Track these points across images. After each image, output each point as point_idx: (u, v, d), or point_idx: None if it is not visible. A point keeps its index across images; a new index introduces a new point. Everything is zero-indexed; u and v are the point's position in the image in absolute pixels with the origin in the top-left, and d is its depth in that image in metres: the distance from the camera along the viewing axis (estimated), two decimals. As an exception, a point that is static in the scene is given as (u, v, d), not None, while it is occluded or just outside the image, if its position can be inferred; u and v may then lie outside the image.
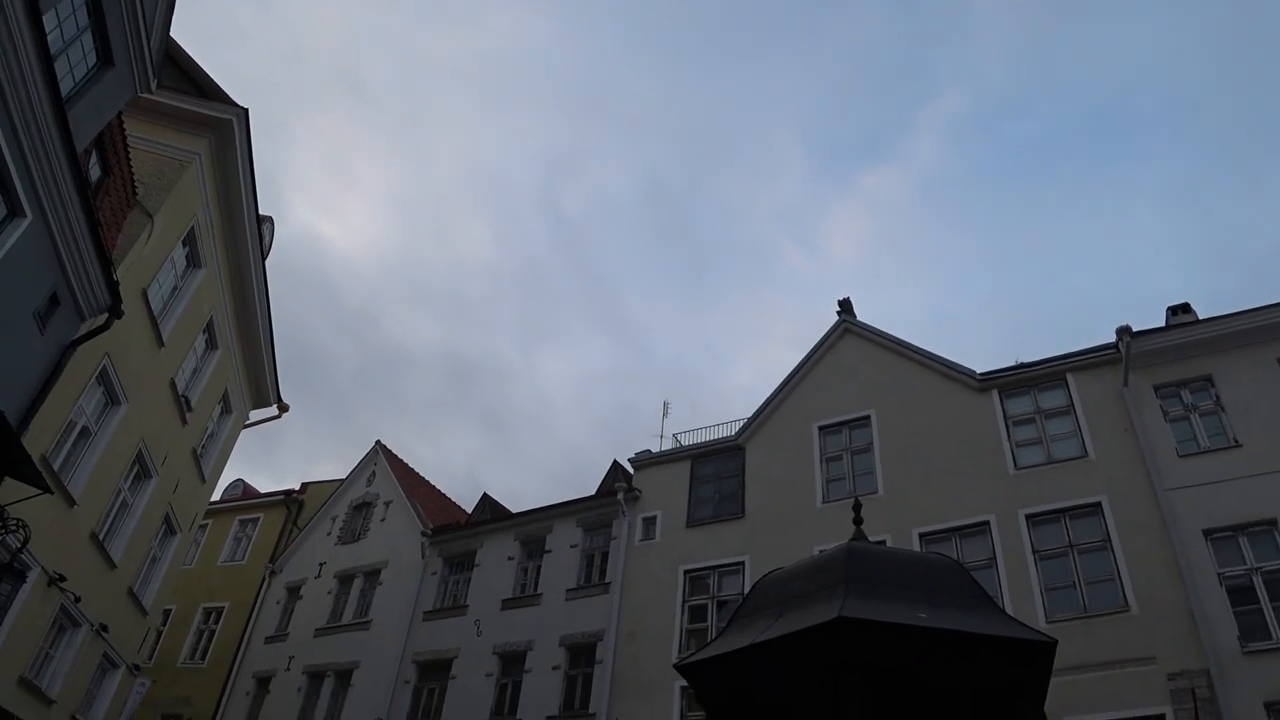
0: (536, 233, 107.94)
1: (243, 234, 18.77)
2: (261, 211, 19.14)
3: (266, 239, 20.57)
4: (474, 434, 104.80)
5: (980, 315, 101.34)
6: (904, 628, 3.87)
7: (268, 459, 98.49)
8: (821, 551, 4.85)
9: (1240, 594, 15.63)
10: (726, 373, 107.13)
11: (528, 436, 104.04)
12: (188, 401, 18.42)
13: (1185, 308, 20.34)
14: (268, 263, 20.47)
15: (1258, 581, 15.61)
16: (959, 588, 4.44)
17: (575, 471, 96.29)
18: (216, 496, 30.27)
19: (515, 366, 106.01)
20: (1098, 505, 17.50)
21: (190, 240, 16.98)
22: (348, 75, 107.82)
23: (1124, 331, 18.66)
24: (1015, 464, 18.82)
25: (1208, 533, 16.26)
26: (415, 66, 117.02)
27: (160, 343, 16.43)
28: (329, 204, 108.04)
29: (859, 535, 4.97)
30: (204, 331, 18.79)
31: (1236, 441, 17.03)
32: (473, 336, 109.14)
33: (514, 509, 27.72)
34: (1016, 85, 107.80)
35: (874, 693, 3.80)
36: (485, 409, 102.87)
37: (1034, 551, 17.53)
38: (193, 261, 17.51)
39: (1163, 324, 19.81)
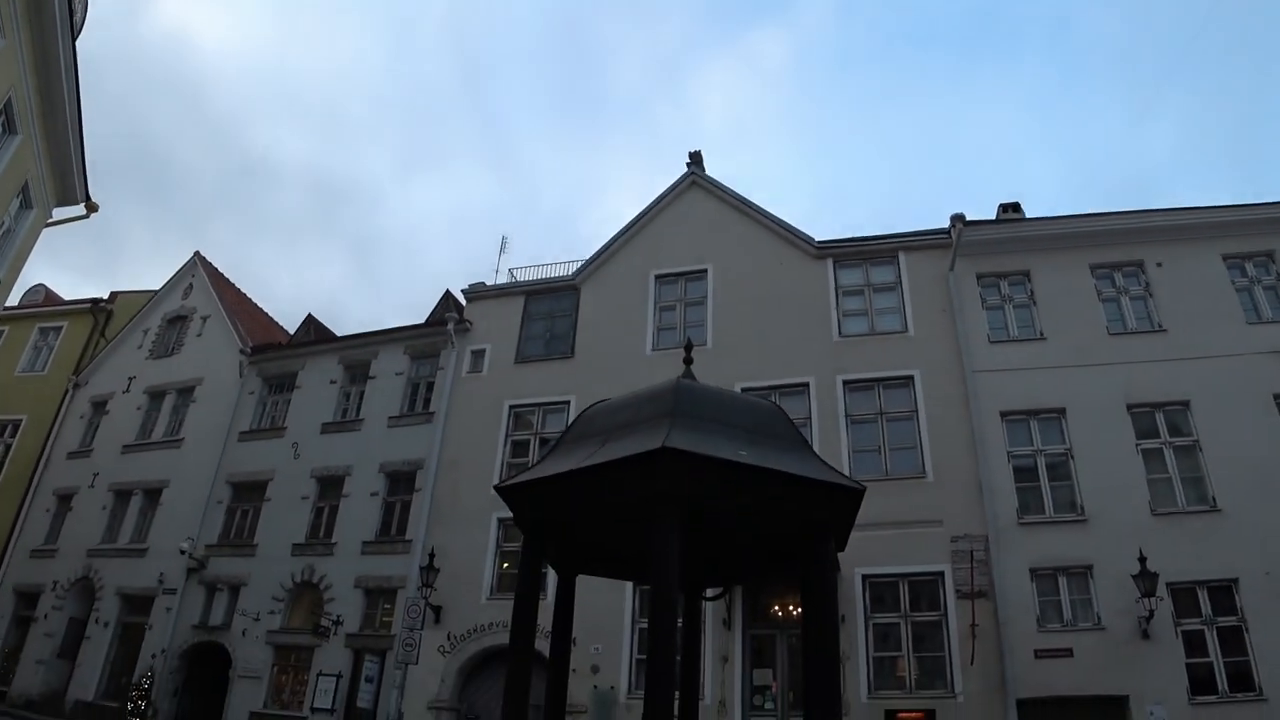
0: (430, 53, 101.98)
1: (49, 5, 16.73)
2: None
3: (79, 15, 18.45)
4: (337, 260, 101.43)
5: (829, 193, 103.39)
6: (725, 463, 3.94)
7: (104, 267, 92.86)
8: None
9: (1024, 473, 17.23)
10: (586, 218, 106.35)
11: (392, 268, 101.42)
12: (-21, 190, 16.70)
13: (1016, 206, 21.30)
14: (82, 43, 18.40)
15: (1040, 462, 17.25)
16: (780, 431, 4.57)
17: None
18: (14, 301, 28.17)
19: (388, 193, 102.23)
20: (910, 379, 18.56)
21: (-15, 6, 15.00)
22: None
23: (958, 219, 19.37)
24: (840, 332, 19.59)
25: (1004, 414, 17.67)
26: None
27: (-54, 121, 14.69)
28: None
29: (688, 375, 5.02)
30: (0, 113, 16.89)
31: (1042, 335, 18.40)
32: (347, 157, 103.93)
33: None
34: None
35: (689, 524, 3.91)
36: (351, 235, 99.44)
37: (847, 415, 18.50)
38: (-12, 31, 15.53)
39: (993, 218, 20.64)
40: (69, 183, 21.00)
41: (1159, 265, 18.56)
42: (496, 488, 4.71)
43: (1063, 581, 15.95)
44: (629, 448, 4.05)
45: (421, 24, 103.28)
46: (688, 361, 5.33)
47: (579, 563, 5.33)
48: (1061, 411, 17.40)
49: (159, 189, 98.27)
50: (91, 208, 21.87)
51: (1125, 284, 18.72)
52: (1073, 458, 16.97)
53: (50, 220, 21.77)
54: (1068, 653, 15.21)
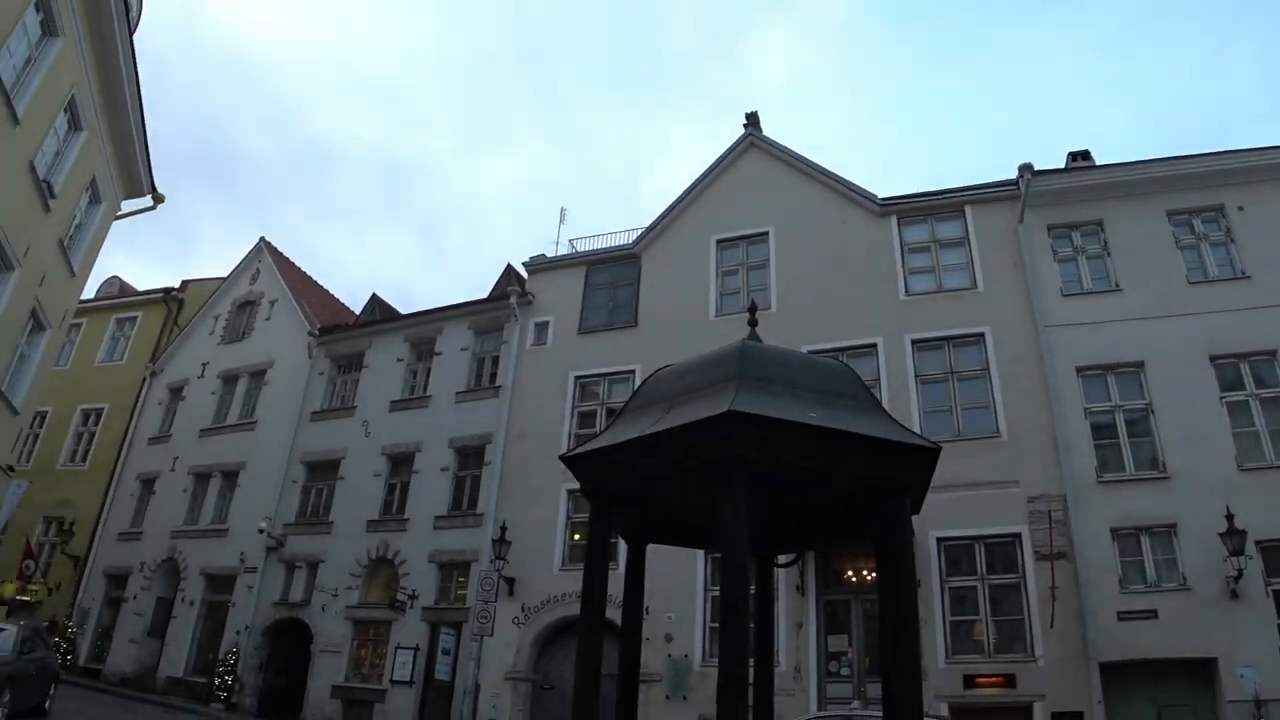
0: (487, 26, 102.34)
1: (105, 1, 16.98)
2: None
3: (134, 10, 18.71)
4: (400, 240, 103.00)
5: (891, 153, 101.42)
6: (795, 425, 3.77)
7: (181, 257, 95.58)
8: None
9: (1102, 429, 16.64)
10: (644, 187, 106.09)
11: (454, 245, 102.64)
12: (50, 187, 17.03)
13: (1085, 154, 20.51)
14: (145, 39, 18.69)
15: (1119, 418, 16.65)
16: (851, 391, 4.34)
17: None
18: (90, 294, 28.95)
19: (449, 170, 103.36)
20: (981, 336, 18.06)
21: (44, 5, 15.23)
22: None
23: (1025, 169, 18.72)
24: (906, 290, 19.14)
25: (1080, 370, 17.07)
26: None
27: (15, 120, 14.94)
28: None
29: (753, 337, 4.86)
30: (65, 111, 17.15)
31: (1118, 286, 17.66)
32: (408, 136, 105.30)
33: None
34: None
35: (759, 490, 3.78)
36: (414, 214, 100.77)
37: (916, 375, 18.11)
38: (48, 29, 15.74)
39: (1063, 167, 19.93)
40: (135, 175, 21.42)
41: (1240, 209, 17.70)
42: (562, 457, 4.57)
43: (1145, 541, 15.43)
44: (695, 413, 3.89)
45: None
46: (753, 324, 5.15)
47: (649, 532, 5.21)
48: (1140, 365, 16.77)
49: (227, 179, 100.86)
50: (158, 199, 22.28)
51: (1204, 230, 17.89)
52: (1153, 413, 16.36)
53: (119, 213, 22.25)
54: (1152, 614, 14.73)
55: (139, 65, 19.01)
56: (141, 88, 19.48)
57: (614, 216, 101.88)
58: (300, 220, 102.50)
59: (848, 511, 5.05)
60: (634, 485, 4.49)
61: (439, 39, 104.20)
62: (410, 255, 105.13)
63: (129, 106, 19.46)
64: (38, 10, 15.17)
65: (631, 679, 4.84)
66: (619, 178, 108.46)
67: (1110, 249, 18.12)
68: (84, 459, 28.52)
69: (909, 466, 4.06)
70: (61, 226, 18.53)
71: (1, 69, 14.27)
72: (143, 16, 20.03)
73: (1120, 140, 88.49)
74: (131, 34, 18.51)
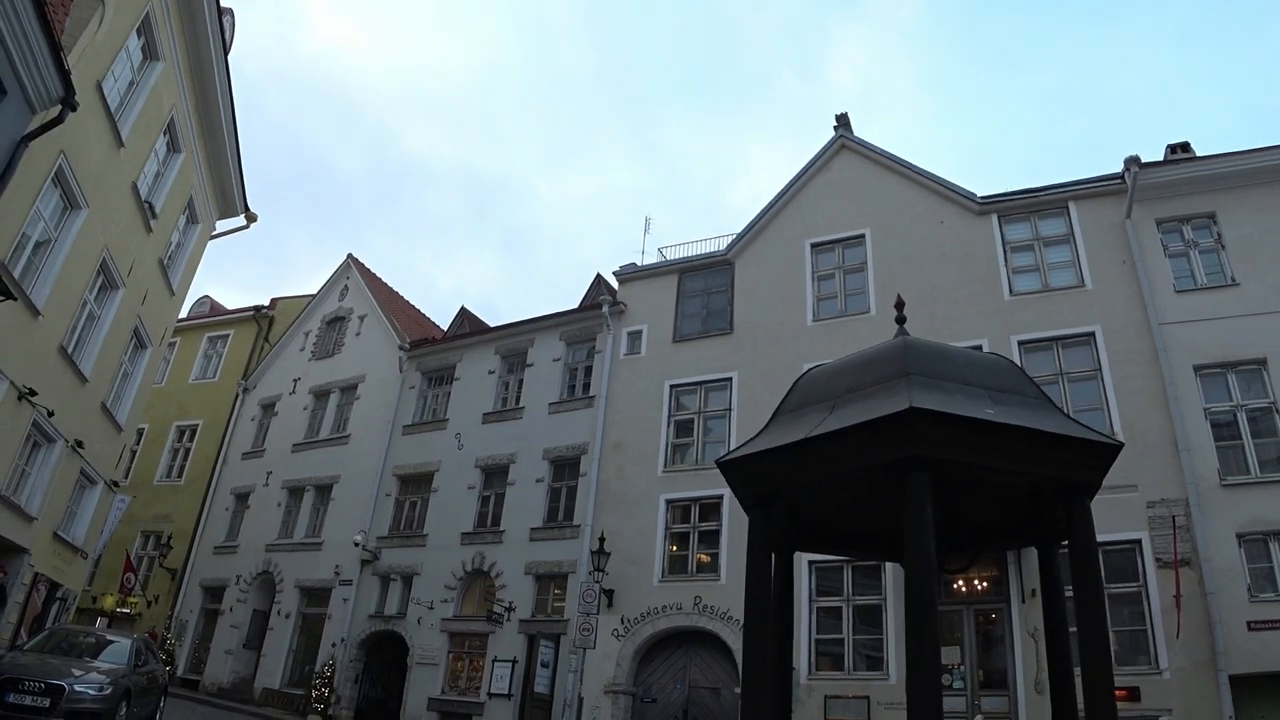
0: (566, 42, 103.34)
1: (202, 25, 17.26)
2: (235, 9, 17.62)
3: (229, 34, 19.06)
4: (486, 254, 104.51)
5: (972, 154, 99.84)
6: (977, 422, 3.64)
7: (272, 278, 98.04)
8: (819, 364, 4.63)
9: (1224, 429, 15.90)
10: (727, 194, 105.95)
11: (540, 257, 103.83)
12: (151, 208, 17.39)
13: (1185, 146, 19.75)
14: (242, 69, 19.08)
15: (1241, 418, 15.87)
16: (1019, 387, 4.23)
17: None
18: (183, 314, 29.59)
19: (534, 184, 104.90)
20: (1091, 335, 17.42)
21: (145, 29, 15.52)
22: None
23: (1132, 162, 18.02)
24: (1011, 290, 18.54)
25: (1198, 368, 16.35)
26: None
27: (120, 143, 15.26)
28: (353, 11, 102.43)
29: (902, 334, 4.67)
30: (164, 133, 17.53)
31: (1234, 280, 16.90)
32: (494, 153, 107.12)
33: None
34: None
35: (937, 490, 3.62)
36: (500, 228, 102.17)
37: (1025, 377, 17.49)
38: (149, 54, 16.10)
39: (1171, 158, 19.23)
40: (229, 196, 21.84)
41: (1364, 194, 16.89)
42: (719, 461, 4.41)
43: (1274, 547, 14.66)
44: (867, 411, 3.77)
45: (555, 16, 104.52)
46: (900, 320, 4.97)
47: (797, 539, 4.98)
48: (1262, 362, 15.95)
49: (319, 202, 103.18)
50: (251, 218, 22.68)
51: (1325, 219, 17.07)
52: (1277, 412, 15.60)
53: (214, 233, 22.69)
54: (1285, 624, 14.00)
55: (234, 88, 19.36)
56: (236, 109, 19.84)
57: (697, 225, 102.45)
58: (388, 240, 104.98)
59: (1015, 513, 4.80)
60: (796, 490, 4.31)
61: (521, 57, 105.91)
62: (495, 271, 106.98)
63: (224, 128, 19.86)
64: (139, 35, 15.49)
65: (785, 694, 4.62)
66: (701, 187, 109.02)
67: (1224, 242, 17.34)
68: (180, 474, 29.12)
69: (1089, 465, 3.90)
70: (161, 246, 18.93)
71: (108, 93, 14.56)
72: (238, 44, 20.47)
73: (1213, 132, 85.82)
74: (226, 53, 18.86)
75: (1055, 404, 4.37)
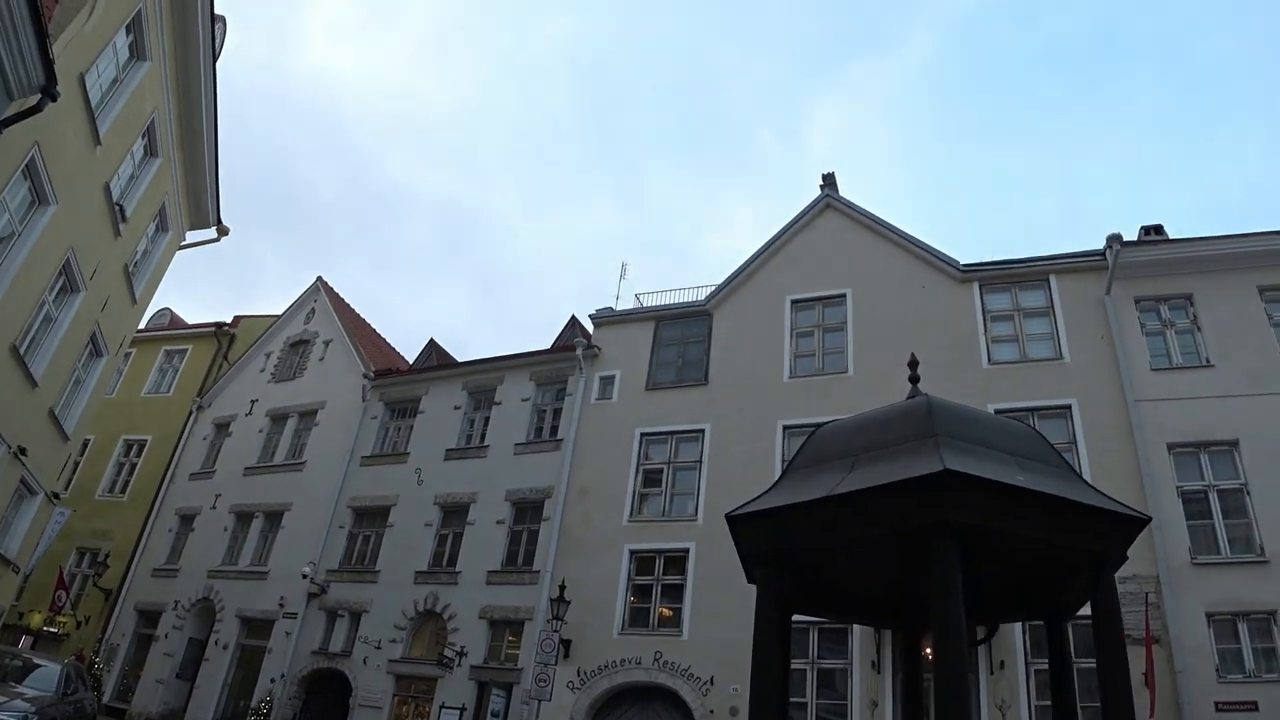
0: (553, 86, 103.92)
1: (194, 29, 16.89)
2: (228, 19, 17.29)
3: (219, 40, 18.68)
4: (459, 288, 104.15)
5: (946, 225, 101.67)
6: (1010, 488, 3.54)
7: (237, 297, 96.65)
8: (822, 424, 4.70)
9: (1195, 508, 16.00)
10: (702, 247, 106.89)
11: (512, 295, 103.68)
12: (122, 211, 16.83)
13: (1159, 229, 20.28)
14: (231, 82, 18.64)
15: (1213, 498, 16.00)
16: (1045, 455, 4.16)
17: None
18: (142, 325, 28.82)
19: (511, 222, 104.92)
20: (1067, 408, 17.50)
21: (135, 27, 15.09)
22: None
23: (1114, 239, 18.31)
24: (989, 359, 18.63)
25: (1171, 446, 16.48)
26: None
27: (97, 141, 14.73)
28: (350, 36, 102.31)
29: (915, 393, 4.65)
30: (143, 135, 17.06)
31: (1208, 362, 17.17)
32: (473, 189, 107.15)
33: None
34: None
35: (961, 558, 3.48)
36: (474, 264, 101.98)
37: (1000, 447, 17.46)
38: (136, 52, 15.64)
39: (1153, 239, 19.61)
40: (203, 207, 21.34)
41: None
42: (728, 516, 4.24)
43: (1243, 627, 14.71)
44: (893, 472, 3.65)
45: (546, 64, 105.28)
46: (914, 380, 4.83)
47: (796, 601, 4.77)
48: (1234, 443, 16.12)
49: (294, 223, 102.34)
50: (222, 231, 22.16)
51: (1298, 307, 17.38)
52: (1249, 493, 15.67)
53: (184, 243, 22.12)
54: (1252, 706, 13.95)
55: (218, 98, 18.96)
56: (219, 119, 19.43)
57: (671, 275, 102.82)
58: (360, 267, 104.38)
59: (1029, 584, 4.65)
60: (807, 550, 4.15)
61: (509, 97, 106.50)
62: (465, 307, 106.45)
63: (204, 137, 19.44)
64: (128, 32, 15.10)
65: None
66: (677, 238, 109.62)
67: (1200, 324, 17.62)
68: (124, 490, 28.10)
69: (1118, 537, 3.88)
70: (128, 252, 18.40)
71: (90, 88, 14.10)
72: (228, 55, 20.07)
73: (1182, 220, 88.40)
74: (215, 60, 18.49)
75: (1078, 474, 4.31)
